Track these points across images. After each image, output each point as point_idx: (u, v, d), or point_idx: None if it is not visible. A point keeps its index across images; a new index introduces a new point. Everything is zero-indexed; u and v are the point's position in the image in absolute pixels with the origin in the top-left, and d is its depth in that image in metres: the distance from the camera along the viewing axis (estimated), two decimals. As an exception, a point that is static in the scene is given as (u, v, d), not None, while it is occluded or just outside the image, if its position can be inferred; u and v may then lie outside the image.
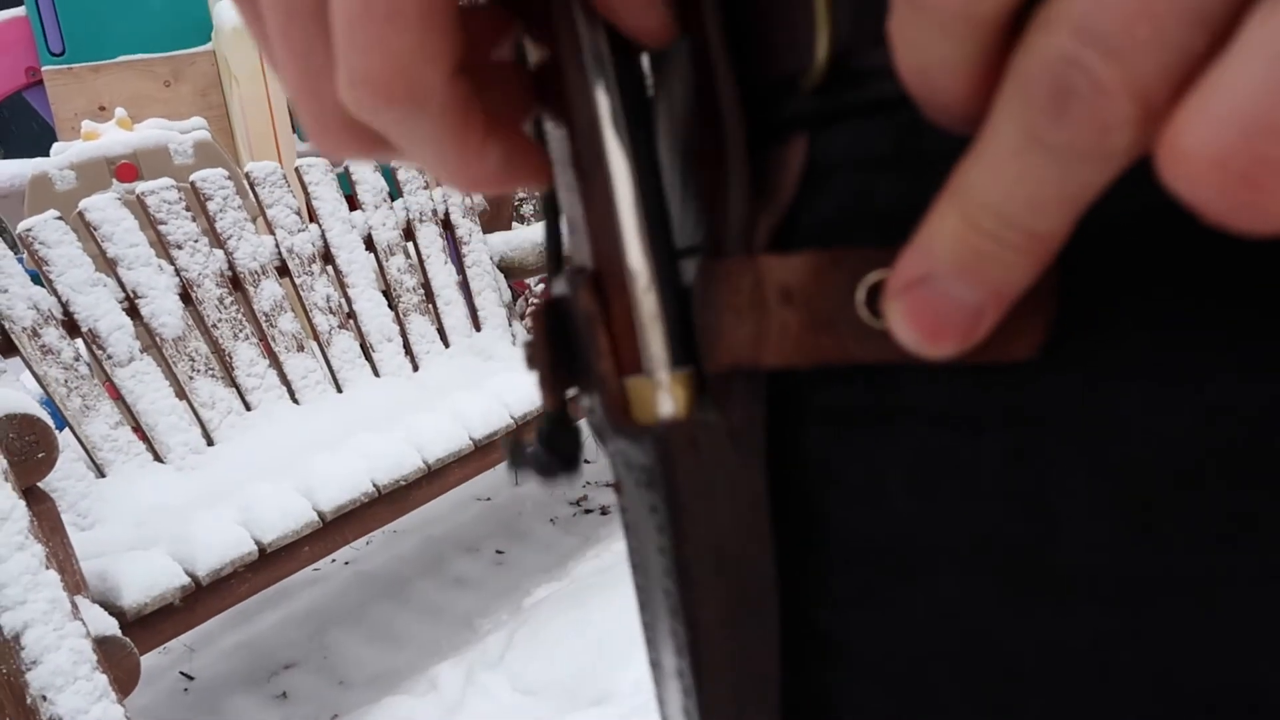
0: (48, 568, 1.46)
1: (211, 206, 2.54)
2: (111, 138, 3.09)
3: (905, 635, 0.24)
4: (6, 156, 4.51)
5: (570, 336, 0.25)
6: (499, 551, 2.93)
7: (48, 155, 3.16)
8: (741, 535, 0.26)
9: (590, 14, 0.22)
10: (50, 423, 1.70)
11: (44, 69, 3.60)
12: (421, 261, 3.01)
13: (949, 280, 0.17)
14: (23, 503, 1.49)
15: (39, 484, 1.66)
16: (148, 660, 1.69)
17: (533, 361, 0.26)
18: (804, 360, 0.22)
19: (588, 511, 3.10)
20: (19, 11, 3.64)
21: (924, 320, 0.18)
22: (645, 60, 0.25)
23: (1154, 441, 0.20)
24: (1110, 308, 0.20)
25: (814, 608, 0.26)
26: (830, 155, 0.23)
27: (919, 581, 0.24)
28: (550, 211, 0.29)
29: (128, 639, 1.65)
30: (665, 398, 0.23)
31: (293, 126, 3.85)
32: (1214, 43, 0.13)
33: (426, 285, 3.01)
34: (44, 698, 1.40)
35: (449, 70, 0.21)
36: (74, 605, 1.49)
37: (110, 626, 1.63)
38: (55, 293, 2.20)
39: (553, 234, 0.30)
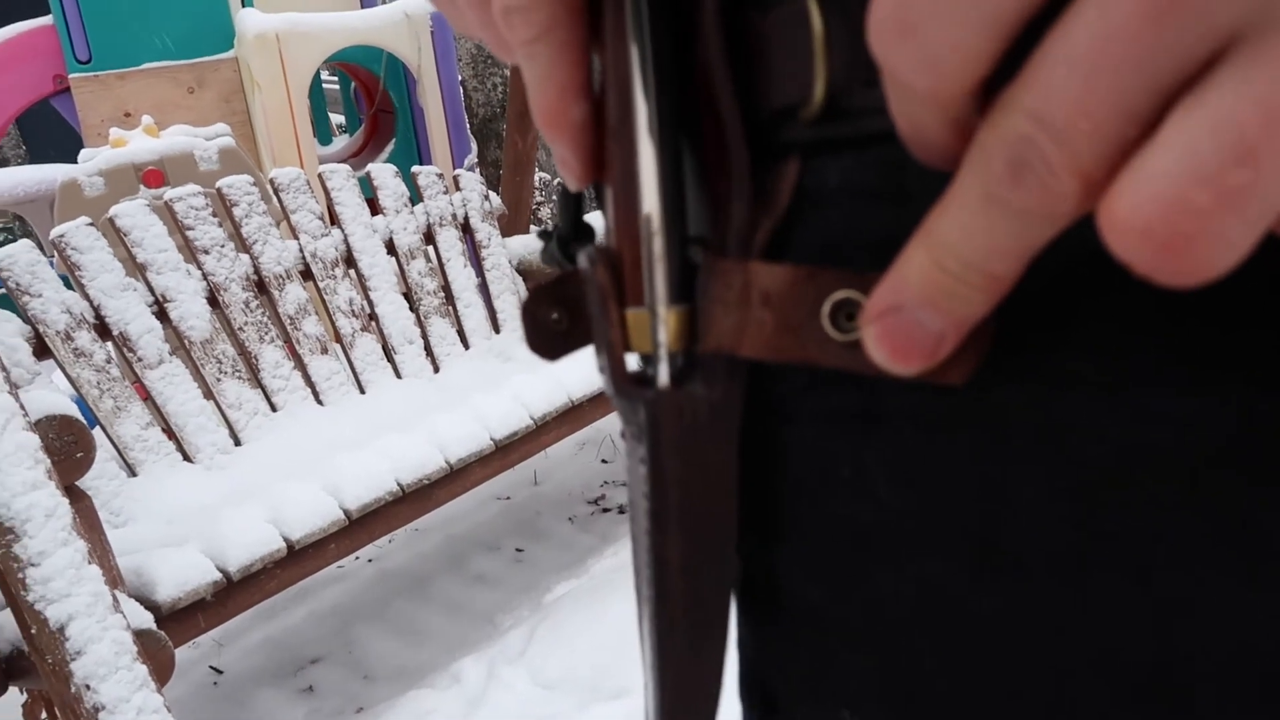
0: (90, 563, 1.52)
1: (237, 212, 2.60)
2: (138, 144, 3.14)
3: (888, 605, 0.29)
4: (32, 161, 4.58)
5: (583, 303, 0.30)
6: (519, 549, 2.97)
7: (73, 161, 3.22)
8: (708, 494, 0.30)
9: None
10: (84, 423, 1.76)
11: (71, 76, 3.65)
12: (442, 265, 3.06)
13: (917, 310, 0.20)
14: (65, 500, 1.54)
15: (77, 482, 1.72)
16: (178, 655, 1.74)
17: (523, 318, 0.31)
18: (773, 356, 0.26)
19: (605, 510, 3.14)
20: (46, 20, 3.70)
21: (894, 342, 0.21)
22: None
23: (1095, 442, 0.24)
24: (1061, 330, 0.24)
25: (801, 583, 0.31)
26: (825, 182, 0.27)
27: (899, 559, 0.28)
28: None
29: (162, 632, 1.70)
30: (661, 328, 0.28)
31: (314, 131, 3.90)
32: (1144, 132, 0.16)
33: (447, 288, 3.06)
34: (88, 686, 1.45)
35: (571, 7, 0.27)
36: (115, 599, 1.54)
37: (146, 620, 1.68)
38: (87, 297, 2.25)
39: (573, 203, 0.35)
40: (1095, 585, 0.25)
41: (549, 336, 0.30)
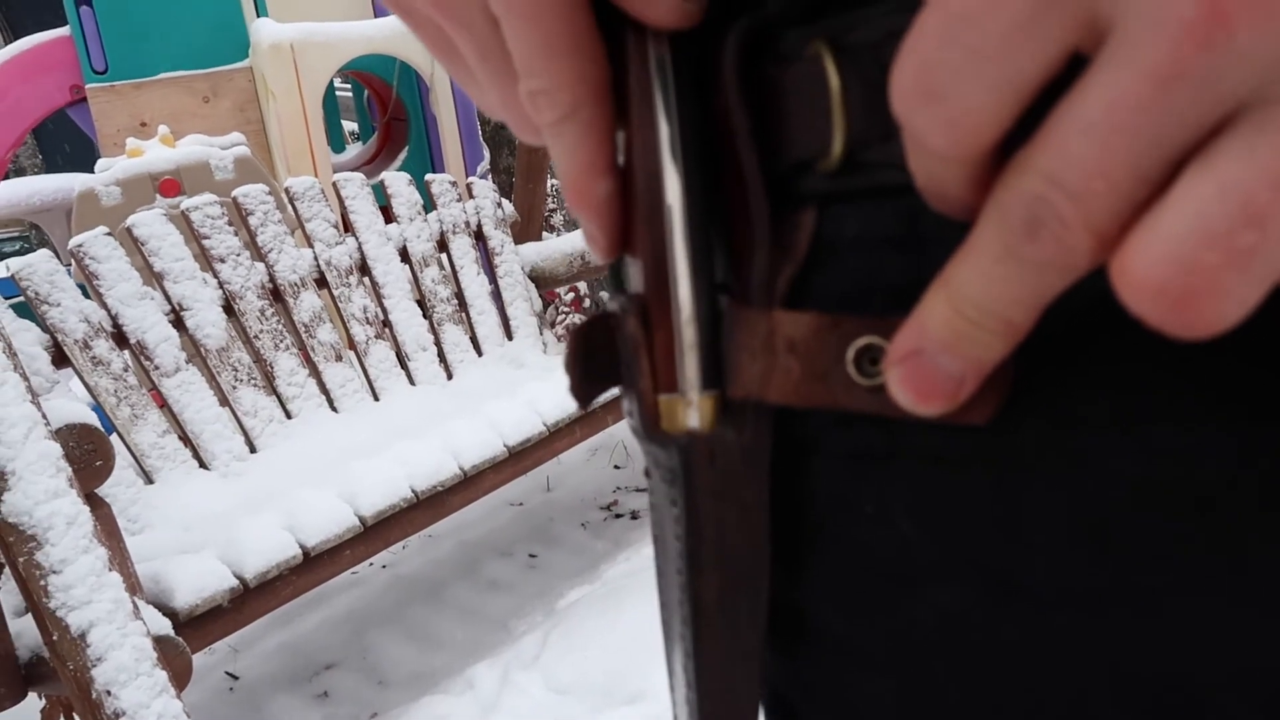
0: (110, 570, 1.54)
1: (253, 221, 2.62)
2: (155, 154, 3.18)
3: (908, 633, 0.30)
4: (49, 171, 4.62)
5: (611, 348, 0.31)
6: (532, 555, 2.98)
7: (89, 170, 3.25)
8: (743, 533, 0.31)
9: (654, 38, 0.27)
10: (104, 431, 1.78)
11: (88, 86, 3.69)
12: (455, 272, 3.08)
13: (938, 354, 0.21)
14: (86, 508, 1.56)
15: (96, 490, 1.74)
16: (195, 660, 1.76)
17: (569, 369, 0.31)
18: (800, 401, 0.27)
19: (618, 516, 3.15)
20: (63, 31, 3.74)
21: (917, 385, 0.22)
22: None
23: (1108, 478, 0.25)
24: (1074, 370, 0.25)
25: (825, 609, 0.32)
26: (843, 231, 0.28)
27: (919, 591, 0.29)
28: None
29: (180, 639, 1.72)
30: (693, 414, 0.29)
31: (327, 140, 3.92)
32: (1154, 192, 0.17)
33: (460, 295, 3.07)
34: (109, 693, 1.47)
35: (595, 83, 0.27)
36: (134, 606, 1.56)
37: (164, 627, 1.70)
38: (105, 306, 2.28)
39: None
40: (1109, 616, 0.26)
41: (589, 386, 0.31)
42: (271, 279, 2.62)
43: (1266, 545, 0.24)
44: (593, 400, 0.31)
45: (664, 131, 0.27)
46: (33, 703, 2.18)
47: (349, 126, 5.77)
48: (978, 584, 0.28)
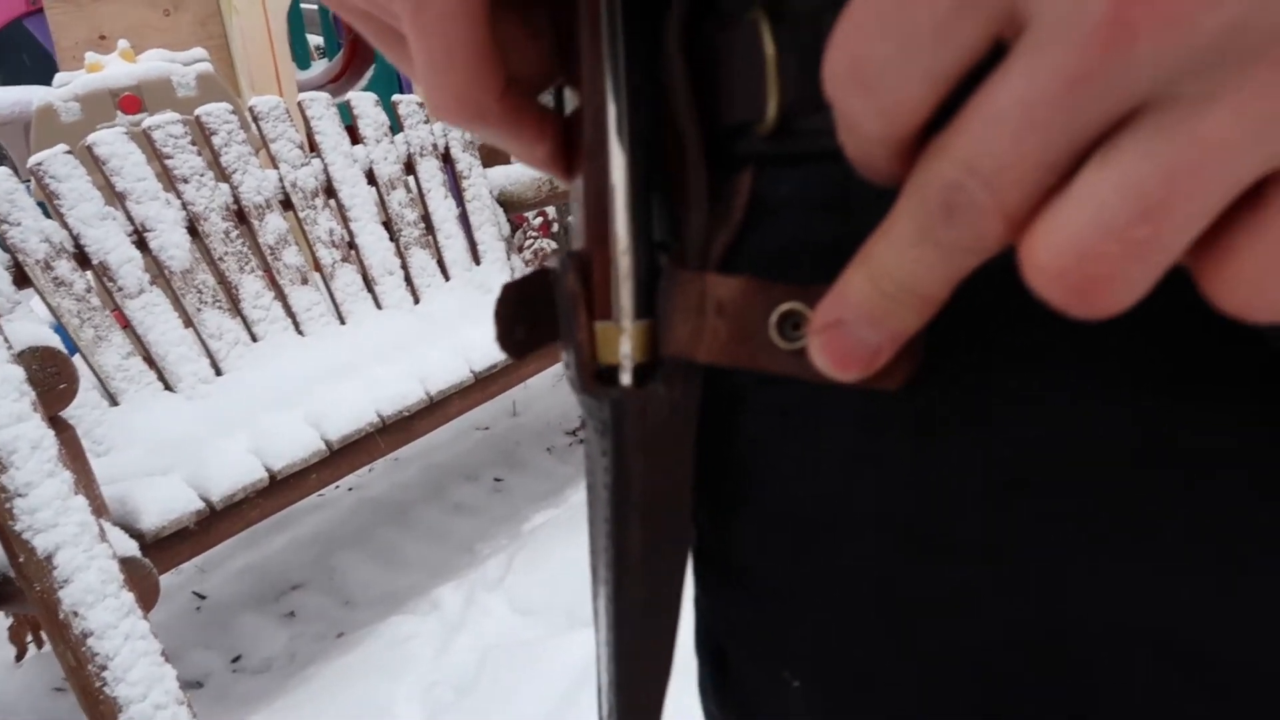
0: (76, 493, 1.54)
1: (216, 140, 2.58)
2: (115, 69, 3.11)
3: (826, 579, 0.32)
4: (6, 84, 4.52)
5: (549, 303, 0.32)
6: (498, 479, 3.01)
7: (47, 83, 3.18)
8: (668, 485, 0.33)
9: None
10: (66, 354, 1.77)
11: (44, -3, 3.60)
12: (422, 195, 3.05)
13: (857, 325, 0.23)
14: (51, 432, 1.56)
15: (61, 413, 1.74)
16: (162, 581, 1.77)
17: (497, 321, 0.32)
18: (727, 362, 0.28)
19: (584, 441, 3.17)
20: (18, -62, 3.63)
21: (836, 353, 0.23)
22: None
23: (1015, 443, 0.27)
24: (985, 342, 0.26)
25: (751, 556, 0.34)
26: (777, 194, 0.29)
27: (838, 540, 0.31)
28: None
29: (147, 560, 1.74)
30: (626, 341, 0.30)
31: (292, 56, 3.85)
32: (1062, 179, 0.18)
33: (427, 219, 3.05)
34: (76, 613, 1.49)
35: (497, 94, 0.29)
36: (101, 528, 1.57)
37: (131, 548, 1.71)
38: (66, 226, 2.25)
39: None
40: (1013, 570, 0.28)
41: (518, 339, 0.32)
42: (236, 200, 2.59)
43: (1158, 507, 0.26)
44: (526, 353, 0.33)
45: (609, 74, 0.28)
46: None
47: (314, 41, 5.65)
48: (892, 535, 0.29)
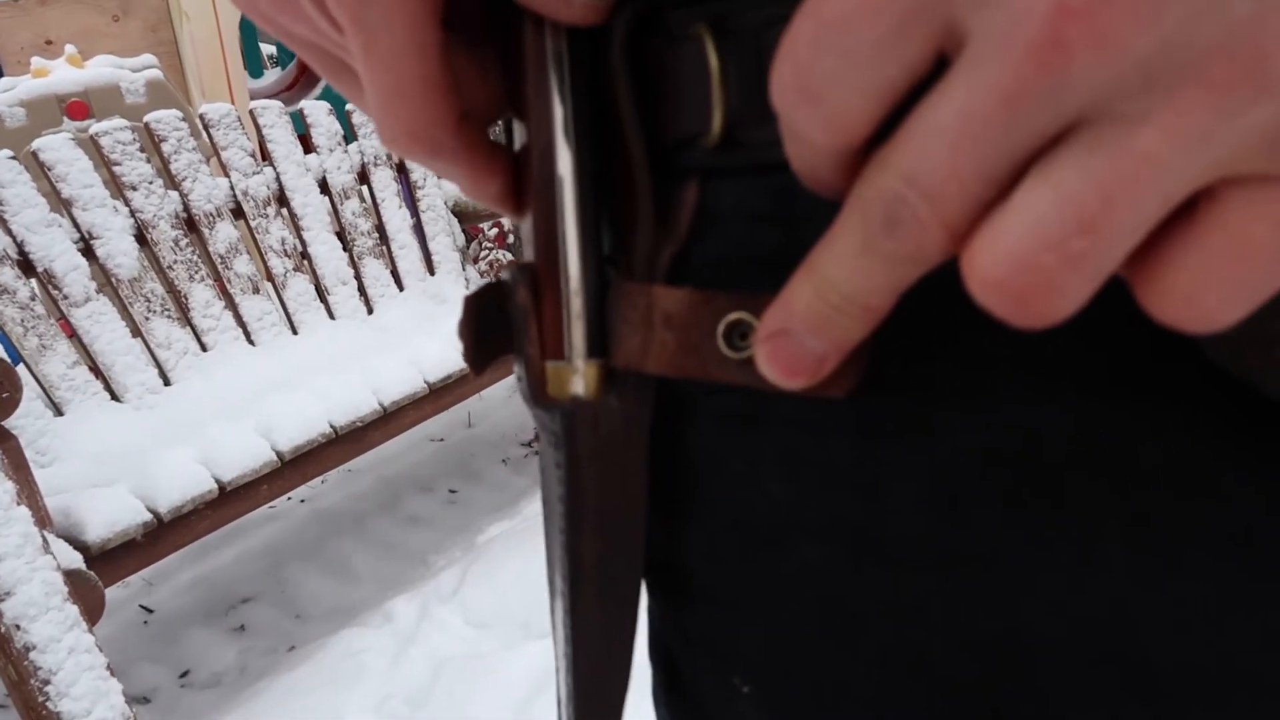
0: (19, 504, 1.51)
1: (166, 148, 2.55)
2: (61, 75, 3.06)
3: (774, 585, 0.32)
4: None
5: (504, 315, 0.32)
6: (452, 491, 2.99)
7: (-7, 89, 3.12)
8: (622, 495, 0.33)
9: (552, 30, 0.28)
10: (9, 363, 1.74)
11: (-11, 1, 3.53)
12: (376, 205, 3.03)
13: (802, 334, 0.23)
14: (-8, 441, 1.53)
15: (3, 423, 1.70)
16: (108, 594, 1.74)
17: (462, 336, 0.32)
18: (676, 373, 0.29)
19: (539, 453, 3.16)
20: (-38, -59, 3.57)
21: (783, 362, 0.24)
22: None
23: (958, 449, 0.27)
24: (928, 350, 0.27)
25: (700, 563, 0.34)
26: (721, 205, 0.29)
27: (785, 548, 0.31)
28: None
29: (92, 573, 1.70)
30: (578, 380, 0.30)
31: (244, 64, 3.81)
32: (1001, 192, 0.19)
33: (381, 229, 3.03)
34: (18, 626, 1.46)
35: (451, 129, 0.29)
36: (44, 540, 1.54)
37: (76, 560, 1.68)
38: (10, 232, 2.20)
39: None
40: (956, 575, 0.28)
41: (484, 356, 0.32)
42: (186, 208, 2.56)
43: (1097, 512, 0.26)
44: (486, 366, 0.33)
45: (558, 112, 0.29)
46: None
47: (267, 50, 5.61)
48: (838, 542, 0.30)
